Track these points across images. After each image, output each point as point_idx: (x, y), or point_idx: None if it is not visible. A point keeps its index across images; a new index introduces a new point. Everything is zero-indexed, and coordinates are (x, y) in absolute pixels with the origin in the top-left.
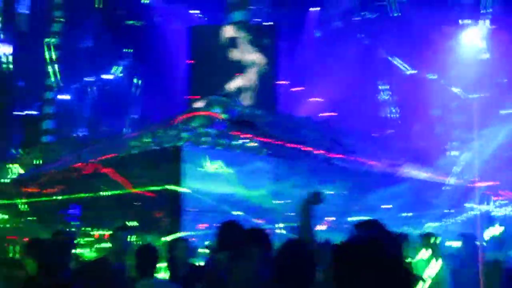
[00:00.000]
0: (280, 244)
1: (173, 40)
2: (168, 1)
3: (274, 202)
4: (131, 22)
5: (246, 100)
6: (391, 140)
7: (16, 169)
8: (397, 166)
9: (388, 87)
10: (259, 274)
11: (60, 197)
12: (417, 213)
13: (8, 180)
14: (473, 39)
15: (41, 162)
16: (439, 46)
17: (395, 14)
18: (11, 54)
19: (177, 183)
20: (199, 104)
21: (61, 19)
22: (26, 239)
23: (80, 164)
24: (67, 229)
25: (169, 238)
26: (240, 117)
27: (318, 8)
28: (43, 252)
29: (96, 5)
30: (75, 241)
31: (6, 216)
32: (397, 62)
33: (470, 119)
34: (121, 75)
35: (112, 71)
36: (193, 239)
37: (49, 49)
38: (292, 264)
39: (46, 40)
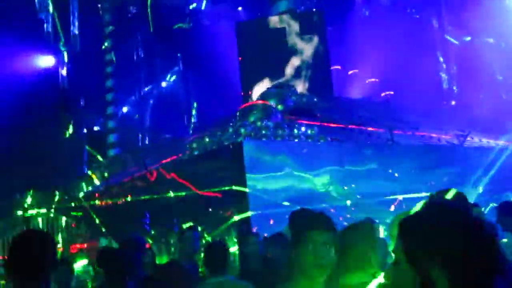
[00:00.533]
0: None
1: (222, 39)
2: (213, 3)
3: (342, 188)
4: (178, 25)
5: (302, 87)
6: (455, 111)
7: (86, 185)
8: (464, 137)
9: (442, 60)
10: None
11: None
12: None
13: (82, 195)
14: None
15: (108, 175)
16: (492, 10)
17: None
18: (69, 75)
19: (242, 181)
20: (254, 98)
21: (111, 33)
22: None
23: (145, 172)
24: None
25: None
26: (298, 105)
27: None
28: (110, 261)
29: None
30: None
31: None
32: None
33: None
34: (173, 79)
35: (167, 78)
36: (265, 234)
37: (106, 65)
38: None
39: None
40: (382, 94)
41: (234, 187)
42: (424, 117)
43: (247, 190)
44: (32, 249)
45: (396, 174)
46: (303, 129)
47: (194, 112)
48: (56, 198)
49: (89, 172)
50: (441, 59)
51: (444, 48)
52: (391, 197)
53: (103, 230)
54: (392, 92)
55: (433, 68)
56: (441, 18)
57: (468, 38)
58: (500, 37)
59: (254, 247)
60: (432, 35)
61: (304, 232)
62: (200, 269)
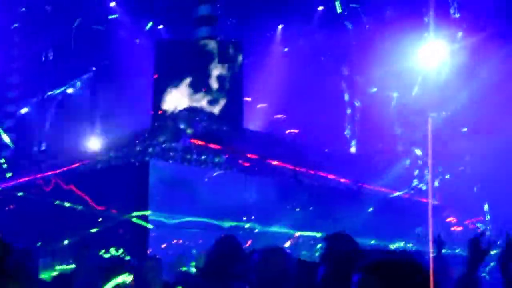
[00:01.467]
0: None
1: (139, 54)
2: (134, 16)
3: (243, 219)
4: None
5: (212, 115)
6: (355, 157)
7: None
8: (361, 184)
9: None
10: None
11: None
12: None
13: None
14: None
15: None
16: (397, 65)
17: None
18: None
19: (144, 202)
20: (164, 119)
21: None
22: None
23: (41, 180)
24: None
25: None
26: (207, 131)
27: (281, 26)
28: None
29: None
30: None
31: None
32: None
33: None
34: (81, 86)
35: (75, 84)
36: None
37: (11, 61)
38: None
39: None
40: (287, 132)
41: (134, 214)
42: (326, 159)
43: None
44: None
45: (297, 209)
46: (210, 156)
47: (99, 123)
48: None
49: None
50: (348, 109)
51: (350, 96)
52: (288, 232)
53: None
54: (297, 131)
55: (339, 113)
56: (351, 68)
57: (374, 89)
58: (403, 91)
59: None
60: (340, 83)
61: None
62: None
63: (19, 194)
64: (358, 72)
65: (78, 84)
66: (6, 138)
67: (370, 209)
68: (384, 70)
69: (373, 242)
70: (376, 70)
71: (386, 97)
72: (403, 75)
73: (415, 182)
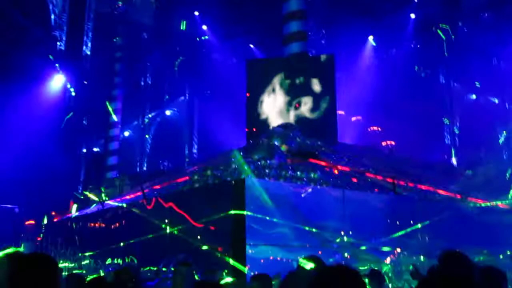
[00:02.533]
0: None
1: (231, 74)
2: (226, 37)
3: (341, 237)
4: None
5: (306, 130)
6: (456, 167)
7: (81, 206)
8: (464, 195)
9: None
10: None
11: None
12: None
13: (75, 215)
14: None
15: (106, 198)
16: (501, 69)
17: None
18: (75, 93)
19: (241, 219)
20: (258, 136)
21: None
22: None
23: (143, 199)
24: (130, 266)
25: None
26: (301, 147)
27: (371, 37)
28: None
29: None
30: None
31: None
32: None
33: None
34: (178, 108)
35: (172, 107)
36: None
37: (113, 88)
38: None
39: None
40: (384, 143)
41: (232, 211)
42: (425, 170)
43: (245, 213)
44: None
45: (398, 224)
46: (306, 172)
47: (196, 143)
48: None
49: (86, 193)
50: (446, 117)
51: (449, 103)
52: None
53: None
54: (393, 142)
55: (437, 122)
56: (447, 76)
57: (474, 96)
58: (504, 97)
59: None
60: (437, 90)
61: None
62: None
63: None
64: (456, 79)
65: (174, 105)
66: None
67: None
68: (483, 76)
69: (481, 258)
70: (474, 76)
71: (487, 104)
72: (504, 79)
73: None
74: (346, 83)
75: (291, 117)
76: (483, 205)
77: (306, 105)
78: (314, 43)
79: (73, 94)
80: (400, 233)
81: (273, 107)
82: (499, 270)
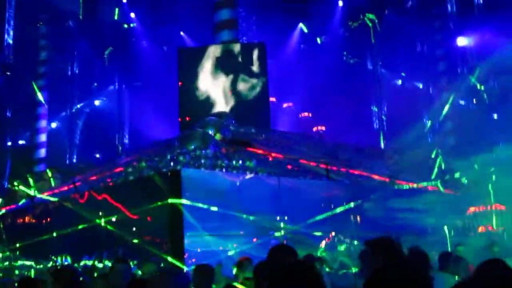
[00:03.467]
0: None
1: (162, 63)
2: (155, 24)
3: (278, 224)
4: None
5: (239, 118)
6: (384, 151)
7: (7, 201)
8: (394, 179)
9: (374, 102)
10: None
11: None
12: None
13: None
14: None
15: (35, 192)
16: (424, 55)
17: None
18: None
19: (178, 211)
20: (192, 126)
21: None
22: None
23: (75, 192)
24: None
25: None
26: (235, 136)
27: (301, 24)
28: None
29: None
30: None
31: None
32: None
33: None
34: (107, 98)
35: (101, 96)
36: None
37: (38, 78)
38: None
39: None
40: (315, 129)
41: (169, 201)
42: (355, 155)
43: (182, 202)
44: None
45: (332, 209)
46: (241, 160)
47: (127, 134)
48: None
49: (14, 187)
50: (374, 104)
51: (377, 88)
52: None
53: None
54: (324, 128)
55: (365, 107)
56: (374, 61)
57: (399, 82)
58: (428, 82)
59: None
60: (366, 77)
61: None
62: None
63: (55, 206)
64: (383, 65)
65: (103, 95)
66: None
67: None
68: (408, 62)
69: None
70: (400, 62)
71: (412, 89)
72: (427, 65)
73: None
74: (278, 69)
75: (224, 106)
76: (410, 187)
77: (238, 93)
78: (245, 30)
79: None
80: (332, 215)
81: (206, 95)
82: (423, 251)
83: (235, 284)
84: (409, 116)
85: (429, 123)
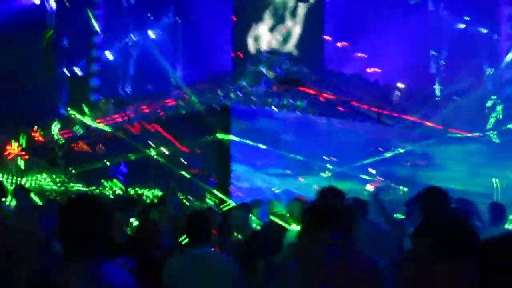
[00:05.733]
0: None
1: None
2: None
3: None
4: None
5: (293, 55)
6: (441, 98)
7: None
8: (447, 127)
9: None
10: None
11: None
12: None
13: (58, 137)
14: None
15: (90, 121)
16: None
17: None
18: (55, 13)
19: (227, 152)
20: (245, 62)
21: None
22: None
23: (128, 124)
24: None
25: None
26: (288, 74)
27: None
28: None
29: None
30: None
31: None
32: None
33: None
34: (162, 30)
35: (155, 29)
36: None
37: (94, 7)
38: None
39: None
40: (369, 70)
41: (218, 136)
42: (409, 100)
43: (230, 138)
44: None
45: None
46: (292, 99)
47: (181, 67)
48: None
49: (69, 114)
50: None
51: (438, 32)
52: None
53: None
54: (379, 70)
55: (423, 51)
56: (437, 3)
57: (462, 25)
58: (493, 28)
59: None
60: (426, 19)
61: None
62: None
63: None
64: (445, 6)
65: (158, 28)
66: None
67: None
68: (473, 3)
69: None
70: (464, 4)
71: (475, 34)
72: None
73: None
74: (335, 8)
75: (279, 43)
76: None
77: (293, 31)
78: None
79: (53, 8)
80: (382, 160)
81: (261, 32)
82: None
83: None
84: (468, 62)
85: (489, 71)
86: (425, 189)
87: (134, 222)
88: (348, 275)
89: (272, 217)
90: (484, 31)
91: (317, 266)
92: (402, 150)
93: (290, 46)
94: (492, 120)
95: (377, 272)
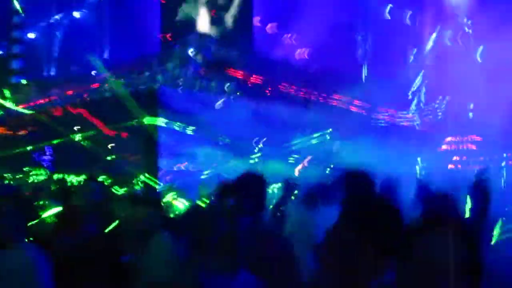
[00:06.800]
0: None
1: None
2: None
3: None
4: None
5: (221, 38)
6: (368, 82)
7: None
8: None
9: (360, 34)
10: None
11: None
12: None
13: None
14: None
15: (12, 103)
16: None
17: None
18: None
19: (153, 127)
20: (172, 45)
21: None
22: None
23: (51, 105)
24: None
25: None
26: (216, 57)
27: None
28: None
29: None
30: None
31: None
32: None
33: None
34: (87, 9)
35: (81, 8)
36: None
37: None
38: None
39: None
40: (297, 53)
41: (146, 119)
42: (340, 83)
43: (158, 122)
44: None
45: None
46: (220, 82)
47: (106, 48)
48: None
49: None
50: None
51: (365, 17)
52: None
53: None
54: (306, 50)
55: (351, 37)
56: None
57: (387, 10)
58: (417, 14)
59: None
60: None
61: None
62: None
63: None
64: None
65: (83, 7)
66: None
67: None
68: None
69: None
70: None
71: (399, 18)
72: None
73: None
74: None
75: (206, 25)
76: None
77: (221, 12)
78: None
79: None
80: (311, 143)
81: (189, 13)
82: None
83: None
84: (394, 47)
85: (412, 57)
86: (348, 172)
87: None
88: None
89: (199, 201)
90: (407, 15)
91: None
92: (327, 135)
93: (219, 29)
94: (415, 101)
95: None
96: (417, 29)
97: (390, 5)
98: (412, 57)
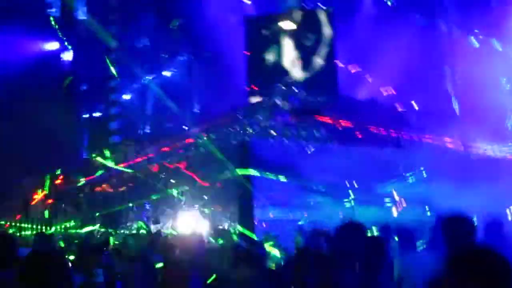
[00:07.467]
0: None
1: (228, 32)
2: None
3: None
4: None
5: (307, 84)
6: (460, 117)
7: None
8: (472, 146)
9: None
10: None
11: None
12: None
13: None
14: None
15: (112, 163)
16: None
17: None
18: (73, 60)
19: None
20: (260, 96)
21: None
22: None
23: (148, 164)
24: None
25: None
26: (303, 105)
27: None
28: None
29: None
30: None
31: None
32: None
33: None
34: (176, 69)
35: (171, 68)
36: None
37: (109, 52)
38: None
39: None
40: (384, 93)
41: (238, 171)
42: (428, 121)
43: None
44: None
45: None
46: (309, 130)
47: (197, 103)
48: (56, 182)
49: (92, 158)
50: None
51: (451, 51)
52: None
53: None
54: (394, 92)
55: (437, 71)
56: (448, 23)
57: (477, 44)
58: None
59: None
60: (439, 38)
61: None
62: None
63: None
64: (457, 25)
65: (173, 67)
66: None
67: None
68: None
69: None
70: (477, 23)
71: (488, 48)
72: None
73: None
74: (345, 34)
75: (292, 74)
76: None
77: (306, 61)
78: None
79: (70, 59)
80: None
81: (274, 64)
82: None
83: None
84: (485, 78)
85: (507, 86)
86: (449, 217)
87: None
88: None
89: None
90: (496, 44)
91: None
92: (424, 174)
93: (304, 75)
94: None
95: None
96: (508, 54)
97: (476, 30)
98: (508, 85)
